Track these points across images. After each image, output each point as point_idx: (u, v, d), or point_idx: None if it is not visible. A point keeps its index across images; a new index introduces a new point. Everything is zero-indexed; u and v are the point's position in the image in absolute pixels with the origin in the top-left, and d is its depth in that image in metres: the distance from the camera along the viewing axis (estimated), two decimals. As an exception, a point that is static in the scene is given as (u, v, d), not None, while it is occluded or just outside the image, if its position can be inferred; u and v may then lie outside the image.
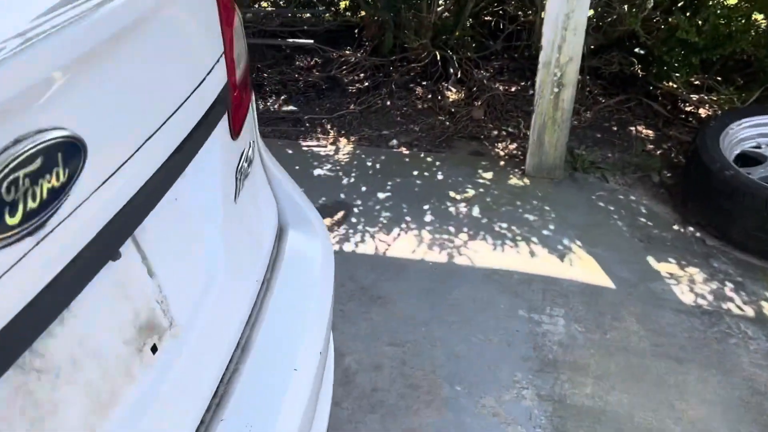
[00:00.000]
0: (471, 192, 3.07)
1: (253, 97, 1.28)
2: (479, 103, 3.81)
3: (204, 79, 0.98)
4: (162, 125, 0.88)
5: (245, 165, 1.14)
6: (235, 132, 1.08)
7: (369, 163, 3.29)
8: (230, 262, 1.04)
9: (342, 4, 4.80)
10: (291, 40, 3.64)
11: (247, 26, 4.24)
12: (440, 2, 3.87)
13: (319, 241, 1.28)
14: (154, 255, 0.88)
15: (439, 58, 4.05)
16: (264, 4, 4.97)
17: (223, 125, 1.05)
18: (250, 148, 1.19)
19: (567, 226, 2.83)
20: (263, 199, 1.25)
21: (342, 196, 3.02)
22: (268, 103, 3.89)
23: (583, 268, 2.59)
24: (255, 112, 1.28)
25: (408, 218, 2.87)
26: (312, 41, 3.55)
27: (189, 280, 0.96)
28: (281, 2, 4.93)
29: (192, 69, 0.96)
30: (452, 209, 2.94)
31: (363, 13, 4.22)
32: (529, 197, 3.04)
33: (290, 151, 3.40)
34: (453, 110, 3.80)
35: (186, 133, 0.93)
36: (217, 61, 1.02)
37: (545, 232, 2.80)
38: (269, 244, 1.20)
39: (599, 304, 2.41)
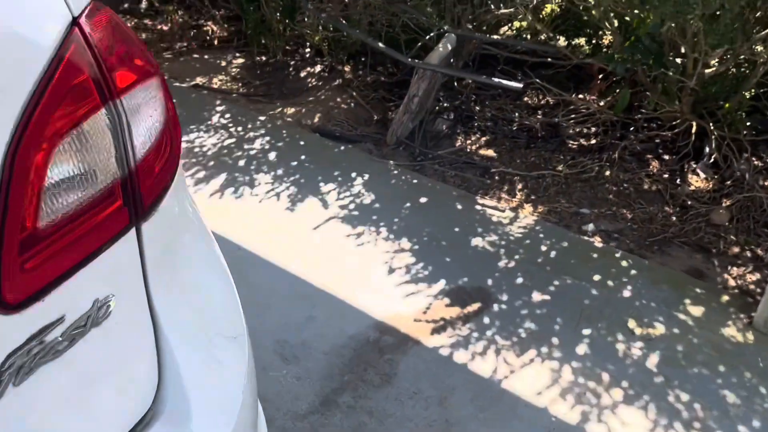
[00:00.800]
0: (659, 329, 2.26)
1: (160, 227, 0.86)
2: (728, 202, 2.86)
3: None
4: None
5: (58, 342, 0.74)
6: (11, 305, 0.68)
7: (543, 247, 2.63)
8: None
9: (606, 39, 4.05)
10: (497, 80, 3.08)
11: (476, 50, 3.77)
12: (712, 63, 2.95)
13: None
14: None
15: (695, 129, 3.14)
16: (517, 25, 4.43)
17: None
18: (99, 308, 0.78)
19: (783, 432, 1.91)
20: (114, 380, 0.83)
21: (489, 282, 2.44)
22: (468, 142, 3.40)
23: None
24: (145, 254, 0.86)
25: (555, 340, 2.20)
26: (520, 85, 2.95)
27: None
28: (537, 26, 4.34)
29: None
30: (621, 346, 2.18)
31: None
32: (743, 363, 2.13)
33: (460, 207, 2.89)
34: (689, 203, 2.91)
35: None
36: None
37: (742, 428, 1.91)
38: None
39: None
